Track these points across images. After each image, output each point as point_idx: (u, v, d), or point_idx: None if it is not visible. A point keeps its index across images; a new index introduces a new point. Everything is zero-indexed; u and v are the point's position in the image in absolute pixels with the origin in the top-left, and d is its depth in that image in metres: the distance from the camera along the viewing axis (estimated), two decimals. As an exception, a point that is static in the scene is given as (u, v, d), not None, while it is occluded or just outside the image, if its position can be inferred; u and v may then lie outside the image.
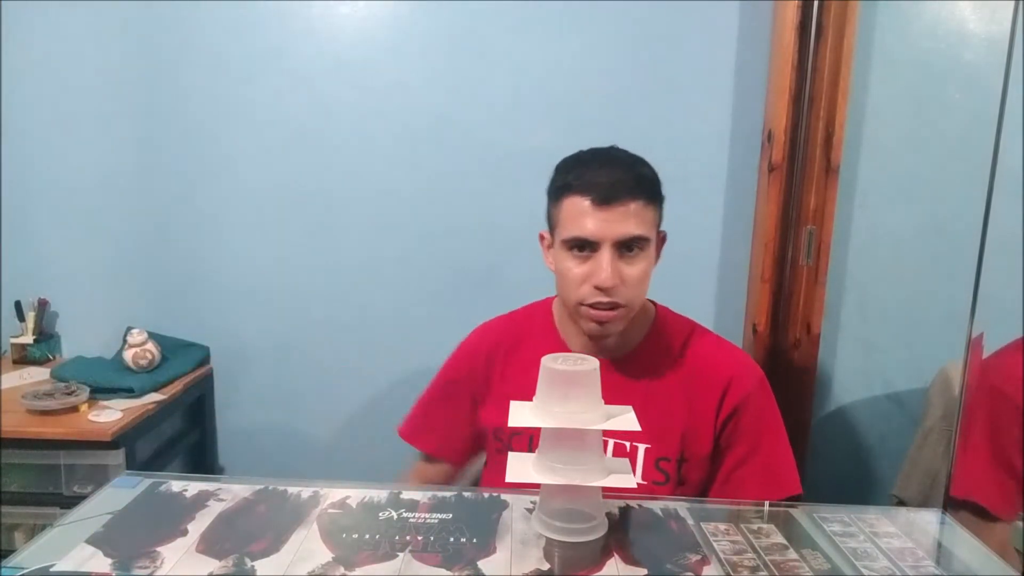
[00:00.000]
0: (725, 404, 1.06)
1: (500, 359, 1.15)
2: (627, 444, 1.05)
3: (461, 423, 1.19)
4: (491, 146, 1.77)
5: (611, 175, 0.98)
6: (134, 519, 0.86)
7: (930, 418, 1.41)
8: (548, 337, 1.14)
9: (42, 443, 1.47)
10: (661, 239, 1.07)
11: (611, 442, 1.05)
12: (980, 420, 1.16)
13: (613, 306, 1.00)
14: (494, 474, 1.16)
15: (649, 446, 1.05)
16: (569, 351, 1.09)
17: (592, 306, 1.00)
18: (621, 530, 0.85)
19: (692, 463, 1.06)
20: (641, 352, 1.10)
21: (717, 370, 1.08)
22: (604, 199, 0.97)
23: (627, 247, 0.99)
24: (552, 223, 1.06)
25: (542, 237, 1.10)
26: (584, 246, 0.99)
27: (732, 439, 1.06)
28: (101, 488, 0.93)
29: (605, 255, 0.97)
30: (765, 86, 1.70)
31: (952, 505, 0.98)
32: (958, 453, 1.06)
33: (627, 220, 0.97)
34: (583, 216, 0.98)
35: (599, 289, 0.98)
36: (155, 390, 1.66)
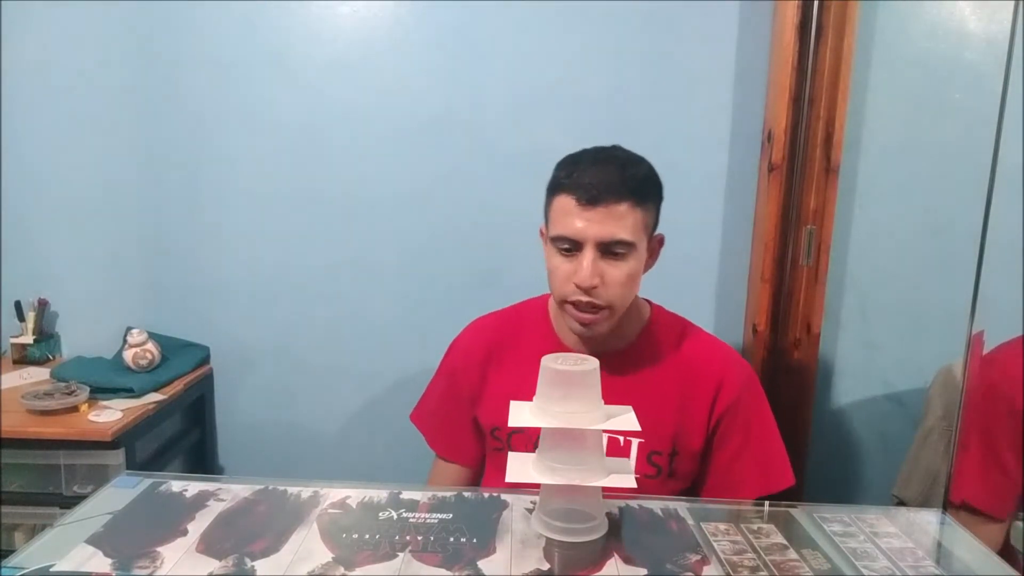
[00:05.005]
0: (719, 402, 1.08)
1: (496, 357, 1.16)
2: (620, 438, 1.06)
3: (465, 425, 1.19)
4: (491, 146, 1.77)
5: (600, 175, 0.98)
6: (134, 519, 0.86)
7: (930, 418, 1.41)
8: (543, 334, 1.14)
9: (42, 443, 1.47)
10: (657, 241, 1.08)
11: (605, 436, 1.06)
12: (974, 418, 1.16)
13: (594, 307, 1.00)
14: (493, 472, 1.16)
15: (642, 440, 1.06)
16: (564, 347, 1.11)
17: (575, 304, 1.01)
18: (621, 530, 0.86)
19: (683, 457, 1.08)
20: (635, 349, 1.11)
21: (710, 368, 1.09)
22: (590, 199, 0.97)
23: (611, 249, 0.99)
24: (545, 219, 1.07)
25: (541, 232, 1.11)
26: (569, 245, 1.00)
27: (727, 435, 1.08)
28: (101, 488, 0.94)
29: (587, 255, 0.98)
30: (765, 86, 1.70)
31: (950, 507, 0.98)
32: (957, 453, 1.06)
33: (611, 222, 0.97)
34: (569, 215, 0.99)
35: (580, 288, 0.99)
36: (155, 390, 1.66)
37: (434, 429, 1.23)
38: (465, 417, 1.19)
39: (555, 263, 1.02)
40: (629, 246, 0.99)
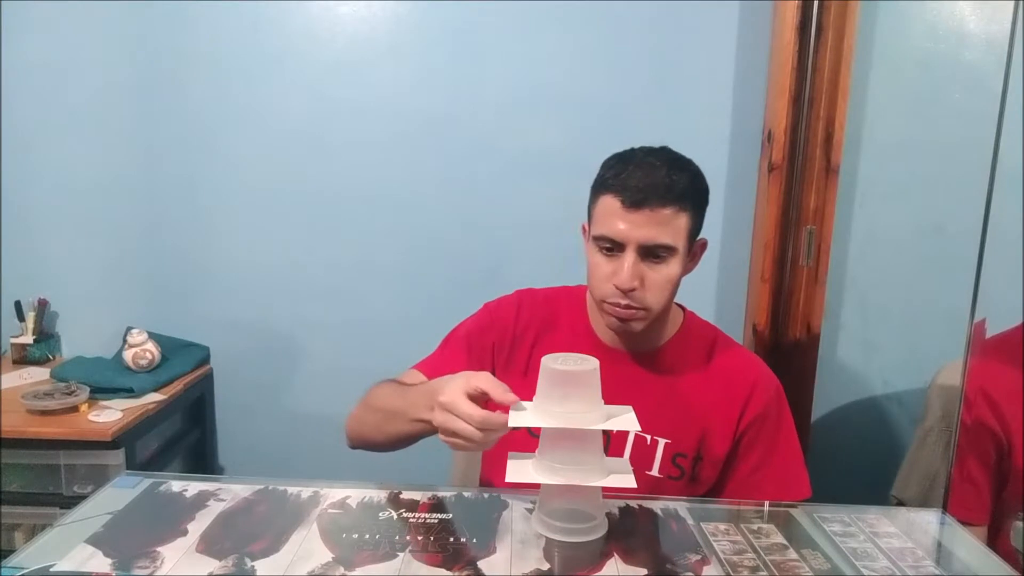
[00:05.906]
0: (747, 411, 1.08)
1: (531, 336, 1.14)
2: (648, 437, 1.06)
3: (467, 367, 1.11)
4: (490, 146, 1.77)
5: (646, 178, 0.98)
6: (134, 519, 0.86)
7: (930, 418, 1.41)
8: (579, 325, 1.14)
9: (42, 443, 1.47)
10: (700, 246, 1.08)
11: (632, 434, 1.06)
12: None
13: (631, 308, 1.01)
14: (500, 449, 1.13)
15: (668, 441, 1.06)
16: (598, 340, 1.11)
17: (613, 304, 1.01)
18: (621, 530, 0.86)
19: (706, 462, 1.08)
20: (667, 350, 1.11)
21: (740, 378, 1.09)
22: (634, 202, 0.97)
23: (652, 252, 0.99)
24: (588, 216, 1.07)
25: (584, 228, 1.10)
26: (611, 245, 1.00)
27: (751, 446, 1.08)
28: (101, 488, 0.94)
29: (628, 258, 0.98)
30: (765, 86, 1.70)
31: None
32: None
33: (654, 226, 0.97)
34: (612, 216, 0.99)
35: (619, 290, 0.99)
36: (155, 390, 1.66)
37: (435, 358, 1.17)
38: (473, 365, 1.10)
39: (596, 261, 1.03)
40: (670, 250, 0.99)
